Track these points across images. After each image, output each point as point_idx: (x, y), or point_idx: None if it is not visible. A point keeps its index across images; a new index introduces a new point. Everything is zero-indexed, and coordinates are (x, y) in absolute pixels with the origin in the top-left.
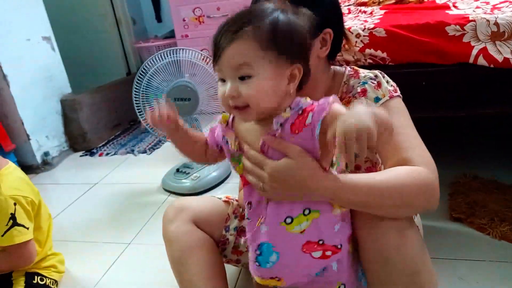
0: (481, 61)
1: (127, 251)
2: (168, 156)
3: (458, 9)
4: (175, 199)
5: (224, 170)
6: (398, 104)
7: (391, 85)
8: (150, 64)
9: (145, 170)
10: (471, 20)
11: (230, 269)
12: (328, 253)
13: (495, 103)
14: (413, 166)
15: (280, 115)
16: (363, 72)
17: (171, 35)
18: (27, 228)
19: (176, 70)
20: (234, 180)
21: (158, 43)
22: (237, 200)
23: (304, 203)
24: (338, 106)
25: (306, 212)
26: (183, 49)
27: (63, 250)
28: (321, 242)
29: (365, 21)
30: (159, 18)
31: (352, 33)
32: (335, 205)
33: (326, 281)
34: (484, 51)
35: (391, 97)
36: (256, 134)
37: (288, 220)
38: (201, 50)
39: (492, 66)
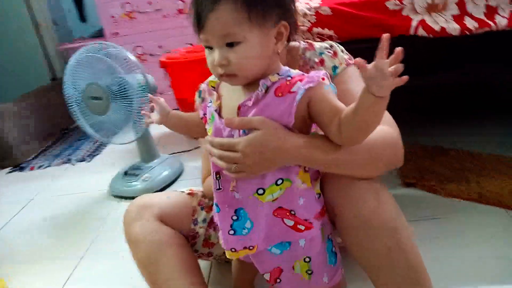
0: (421, 31)
1: (82, 264)
2: (111, 161)
3: None
4: (129, 203)
5: (176, 167)
6: (355, 71)
7: (346, 54)
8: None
9: (88, 178)
10: None
11: (201, 264)
12: (301, 227)
13: (437, 71)
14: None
15: (267, 78)
16: (317, 44)
17: (99, 34)
18: None
19: (105, 68)
20: (189, 177)
21: (86, 43)
22: (202, 191)
23: (275, 174)
24: (325, 87)
25: (279, 182)
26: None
27: (5, 275)
28: (293, 212)
29: (308, 2)
30: (83, 18)
31: (299, 13)
32: (300, 174)
33: (293, 256)
34: (422, 22)
35: (348, 64)
36: (239, 94)
37: (260, 191)
38: (135, 48)
39: (431, 36)
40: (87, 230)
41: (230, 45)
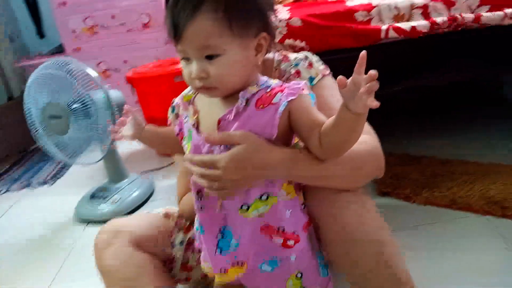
0: (392, 33)
1: None
2: (75, 183)
3: (353, 1)
4: (99, 228)
5: (147, 187)
6: (331, 81)
7: (321, 64)
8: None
9: (50, 203)
10: (375, 6)
11: None
12: (290, 242)
13: (408, 78)
14: None
15: (246, 90)
16: (292, 55)
17: (58, 50)
18: None
19: (65, 85)
20: (161, 196)
21: (45, 60)
22: (177, 212)
23: (259, 189)
24: (306, 98)
25: (264, 197)
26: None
27: None
28: (281, 229)
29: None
30: (41, 33)
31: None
32: (284, 186)
33: (284, 271)
34: (392, 25)
35: (324, 75)
36: (218, 108)
37: (244, 207)
38: (98, 64)
39: (402, 36)
40: (52, 259)
41: (210, 57)
